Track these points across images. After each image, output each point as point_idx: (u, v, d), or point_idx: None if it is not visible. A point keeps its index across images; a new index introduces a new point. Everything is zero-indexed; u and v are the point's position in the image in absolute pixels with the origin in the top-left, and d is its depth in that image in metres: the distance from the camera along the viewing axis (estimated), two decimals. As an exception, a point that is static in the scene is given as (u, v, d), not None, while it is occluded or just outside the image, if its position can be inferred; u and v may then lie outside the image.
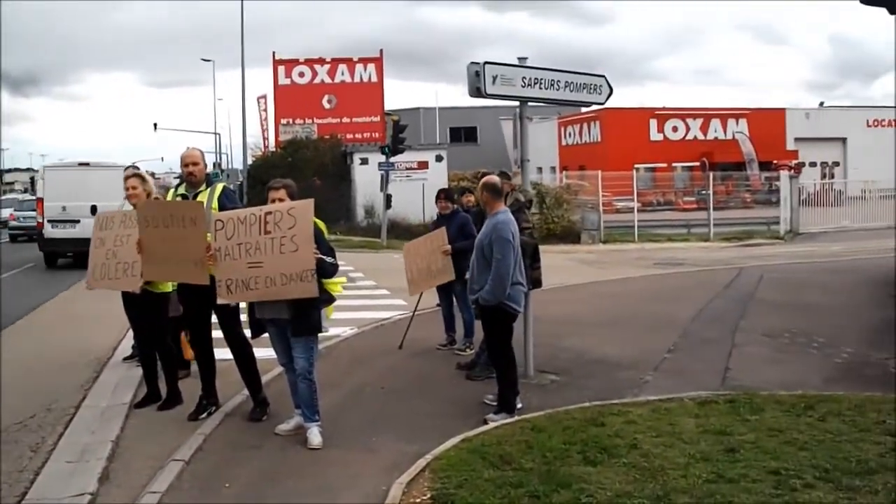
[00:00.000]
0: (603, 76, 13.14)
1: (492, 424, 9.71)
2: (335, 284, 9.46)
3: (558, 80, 12.52)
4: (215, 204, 9.94)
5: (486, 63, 11.54)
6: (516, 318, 10.53)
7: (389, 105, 59.70)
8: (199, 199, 10.10)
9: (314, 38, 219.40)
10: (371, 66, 57.68)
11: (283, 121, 56.62)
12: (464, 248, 12.50)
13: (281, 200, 9.15)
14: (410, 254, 14.15)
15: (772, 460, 8.09)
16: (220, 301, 9.35)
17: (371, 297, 21.37)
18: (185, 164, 10.34)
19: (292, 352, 9.28)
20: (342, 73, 57.42)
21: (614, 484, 7.62)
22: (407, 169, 45.14)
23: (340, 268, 9.41)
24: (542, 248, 12.10)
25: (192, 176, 10.26)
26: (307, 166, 46.78)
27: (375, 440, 9.45)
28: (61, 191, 28.26)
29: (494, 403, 10.48)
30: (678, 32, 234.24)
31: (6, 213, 54.58)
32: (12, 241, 46.77)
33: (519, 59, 12.29)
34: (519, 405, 10.45)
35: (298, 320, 9.07)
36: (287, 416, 9.91)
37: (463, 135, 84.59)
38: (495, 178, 10.60)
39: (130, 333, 12.80)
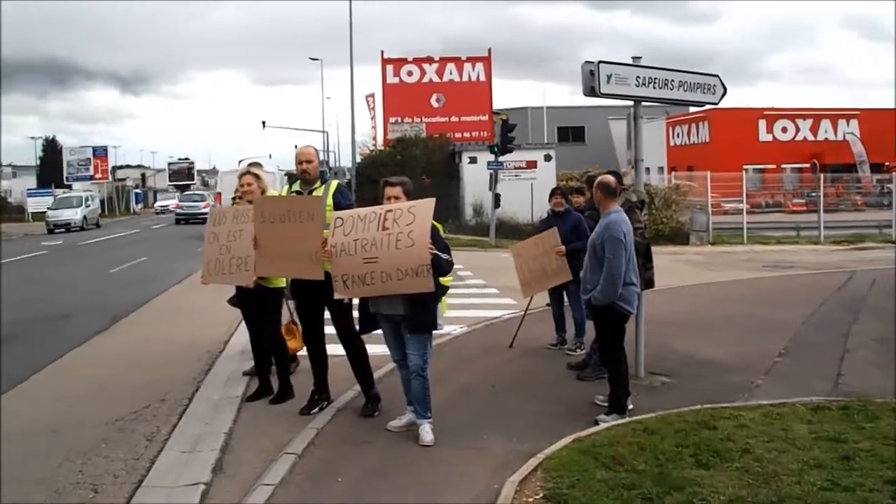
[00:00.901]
0: (717, 76, 13.00)
1: (603, 425, 9.64)
2: (446, 281, 9.50)
3: (672, 80, 12.41)
4: (330, 201, 9.99)
5: (600, 62, 11.49)
6: (628, 319, 10.47)
7: (497, 104, 59.67)
8: (317, 195, 10.11)
9: (421, 36, 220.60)
10: (479, 65, 57.64)
11: (392, 119, 56.73)
12: (577, 248, 12.43)
13: (397, 197, 9.20)
14: (520, 256, 14.06)
15: (888, 470, 7.91)
16: (336, 296, 9.38)
17: (480, 296, 21.39)
18: (299, 162, 10.41)
19: (406, 348, 9.30)
20: (450, 72, 57.45)
21: (727, 488, 7.52)
22: (515, 168, 45.07)
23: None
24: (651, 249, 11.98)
25: (306, 173, 10.32)
26: (416, 165, 46.87)
27: (486, 438, 9.43)
28: (232, 187, 29.67)
29: (605, 404, 10.40)
30: (786, 30, 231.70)
31: (172, 203, 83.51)
32: (176, 223, 64.26)
33: (633, 58, 12.21)
34: (630, 406, 10.37)
35: (414, 317, 9.10)
36: (398, 412, 9.95)
37: (570, 134, 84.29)
38: (610, 178, 10.48)
39: (243, 330, 12.93)
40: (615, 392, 10.27)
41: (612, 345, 10.32)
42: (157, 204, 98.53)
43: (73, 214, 62.36)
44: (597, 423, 9.91)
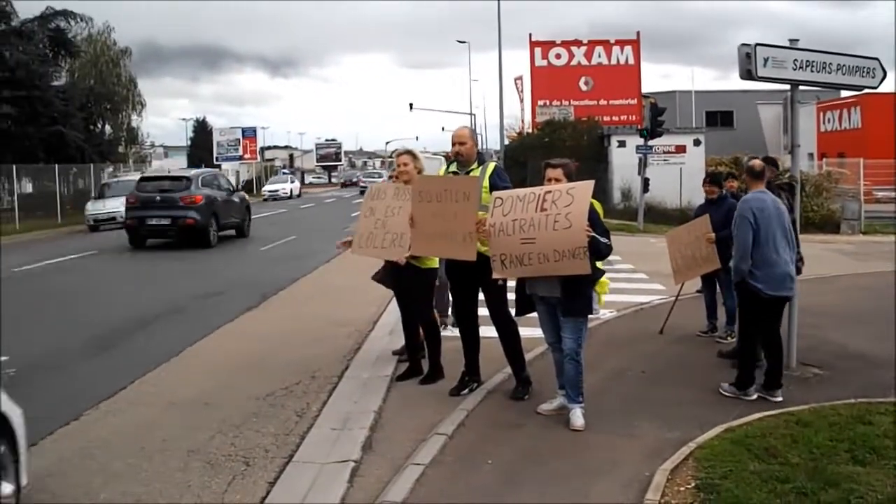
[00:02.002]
0: (876, 59, 12.58)
1: (755, 415, 9.44)
2: (603, 285, 9.44)
3: (830, 63, 12.06)
4: (486, 182, 9.97)
5: (757, 45, 11.23)
6: (771, 304, 10.33)
7: (644, 88, 59.18)
8: (473, 175, 10.13)
9: (568, 20, 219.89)
10: (628, 49, 57.16)
11: (540, 102, 56.57)
12: (727, 236, 12.23)
13: (558, 179, 9.12)
14: (675, 242, 13.92)
15: None
16: (494, 275, 9.38)
17: (629, 281, 21.15)
18: (453, 143, 10.44)
19: (561, 332, 9.22)
20: (598, 56, 57.05)
21: (885, 487, 7.30)
22: (664, 153, 44.53)
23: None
24: (800, 237, 11.73)
25: (460, 155, 10.31)
26: (564, 148, 46.49)
27: (636, 425, 9.31)
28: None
29: (729, 394, 10.50)
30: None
31: (281, 188, 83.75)
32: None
33: (790, 41, 11.93)
34: (779, 398, 10.24)
35: (570, 300, 9.00)
36: (549, 396, 9.86)
37: (719, 119, 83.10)
38: (756, 161, 10.73)
39: (392, 310, 12.99)
40: (741, 370, 10.48)
41: (746, 325, 10.57)
42: (266, 189, 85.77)
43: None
44: (720, 389, 10.51)
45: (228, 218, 33.63)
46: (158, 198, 31.05)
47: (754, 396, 10.32)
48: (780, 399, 10.20)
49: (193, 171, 37.91)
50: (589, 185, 8.90)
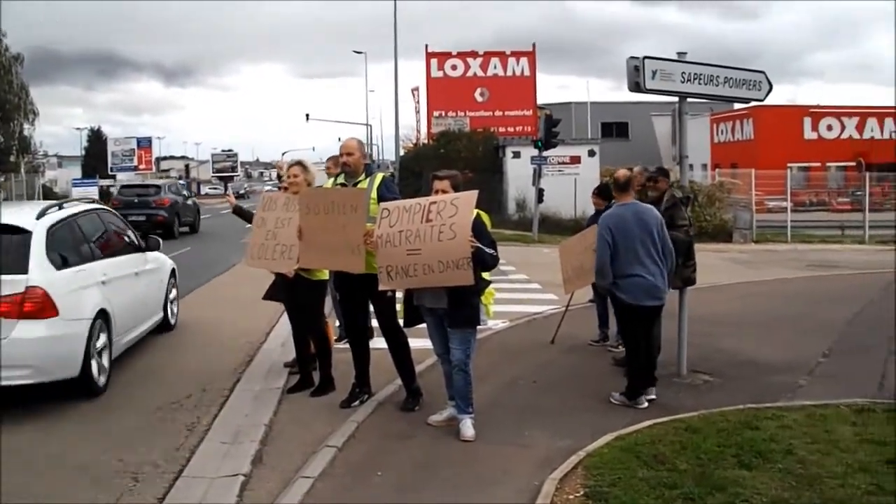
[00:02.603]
0: (762, 72, 12.88)
1: (645, 423, 9.58)
2: (488, 295, 9.51)
3: (717, 76, 12.34)
4: (374, 194, 9.97)
5: (645, 58, 11.45)
6: (639, 313, 10.55)
7: (540, 99, 59.56)
8: (360, 187, 10.12)
9: (465, 30, 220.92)
10: (524, 60, 57.40)
11: (436, 113, 56.59)
12: None
13: (445, 191, 9.17)
14: (566, 252, 13.89)
15: (936, 474, 7.81)
16: (381, 287, 9.40)
17: (523, 291, 21.29)
18: (340, 154, 10.44)
19: (449, 343, 9.27)
20: (494, 67, 57.22)
21: (770, 490, 7.49)
22: (559, 163, 44.85)
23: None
24: (694, 246, 11.93)
25: (348, 166, 10.28)
26: (459, 159, 46.62)
27: (527, 434, 9.41)
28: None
29: (618, 402, 10.71)
30: (832, 27, 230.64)
31: None
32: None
33: (678, 53, 12.16)
34: (652, 397, 10.64)
35: (456, 310, 9.06)
36: (440, 406, 9.91)
37: (615, 130, 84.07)
38: (621, 173, 11.05)
39: (285, 322, 12.95)
40: (630, 378, 10.77)
41: (624, 334, 11.21)
42: None
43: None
44: (611, 400, 10.73)
45: (186, 217, 42.33)
46: (136, 200, 39.26)
47: (645, 405, 10.50)
48: (645, 406, 10.50)
49: (161, 181, 48.04)
50: (472, 195, 8.96)
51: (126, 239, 13.83)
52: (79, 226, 11.91)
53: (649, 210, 10.64)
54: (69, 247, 11.27)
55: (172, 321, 15.64)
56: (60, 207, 11.75)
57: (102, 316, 11.29)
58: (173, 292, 16.01)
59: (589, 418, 9.99)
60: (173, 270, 16.05)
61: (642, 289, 10.37)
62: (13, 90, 68.17)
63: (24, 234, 10.47)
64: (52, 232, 10.84)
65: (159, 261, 15.24)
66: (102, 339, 11.25)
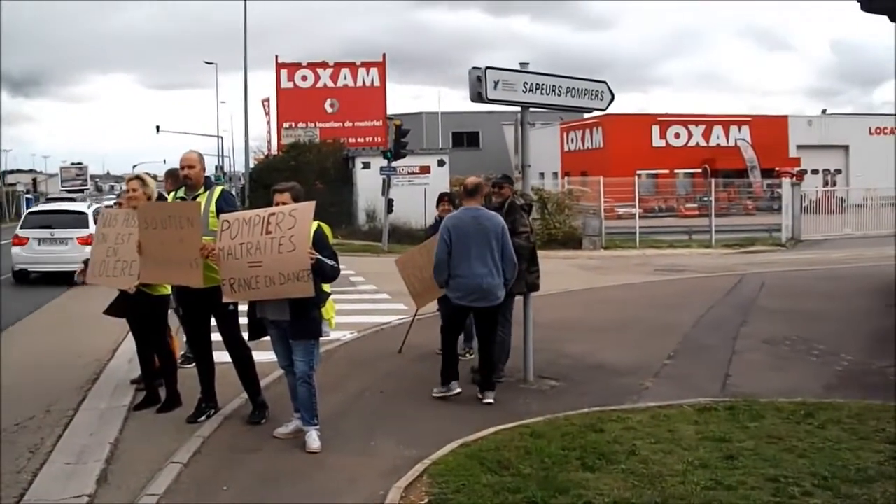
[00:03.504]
0: (604, 82, 13.13)
1: (490, 430, 9.68)
2: (329, 307, 9.55)
3: (560, 86, 12.53)
4: (213, 207, 9.95)
5: (487, 68, 11.57)
6: (461, 310, 11.25)
7: (392, 109, 59.86)
8: (197, 201, 10.09)
9: (316, 41, 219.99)
10: (374, 70, 57.66)
11: (286, 124, 56.56)
12: None
13: (286, 203, 9.16)
14: (407, 267, 13.76)
15: (770, 468, 8.11)
16: (224, 300, 9.41)
17: (372, 302, 21.39)
18: (181, 167, 10.36)
19: (293, 355, 9.27)
20: (345, 77, 57.39)
21: (612, 490, 7.64)
22: (409, 173, 45.17)
23: (342, 271, 9.42)
24: (543, 253, 12.15)
25: (189, 178, 10.24)
26: (309, 170, 46.66)
27: (374, 444, 9.46)
28: None
29: (440, 395, 11.37)
30: (680, 37, 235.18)
31: None
32: None
33: (520, 64, 12.30)
34: (457, 390, 11.32)
35: (298, 322, 9.09)
36: (286, 419, 9.90)
37: (465, 139, 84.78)
38: (470, 180, 11.39)
39: (130, 339, 12.77)
40: (443, 368, 11.48)
41: (443, 325, 11.76)
42: None
43: None
44: (433, 395, 11.40)
45: None
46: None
47: (458, 390, 11.11)
48: (491, 401, 10.91)
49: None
50: (310, 206, 8.99)
51: None
52: None
53: (493, 217, 10.85)
54: None
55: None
56: None
57: None
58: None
59: (436, 426, 10.07)
60: None
61: (468, 289, 10.76)
62: None
63: None
64: None
65: None
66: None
